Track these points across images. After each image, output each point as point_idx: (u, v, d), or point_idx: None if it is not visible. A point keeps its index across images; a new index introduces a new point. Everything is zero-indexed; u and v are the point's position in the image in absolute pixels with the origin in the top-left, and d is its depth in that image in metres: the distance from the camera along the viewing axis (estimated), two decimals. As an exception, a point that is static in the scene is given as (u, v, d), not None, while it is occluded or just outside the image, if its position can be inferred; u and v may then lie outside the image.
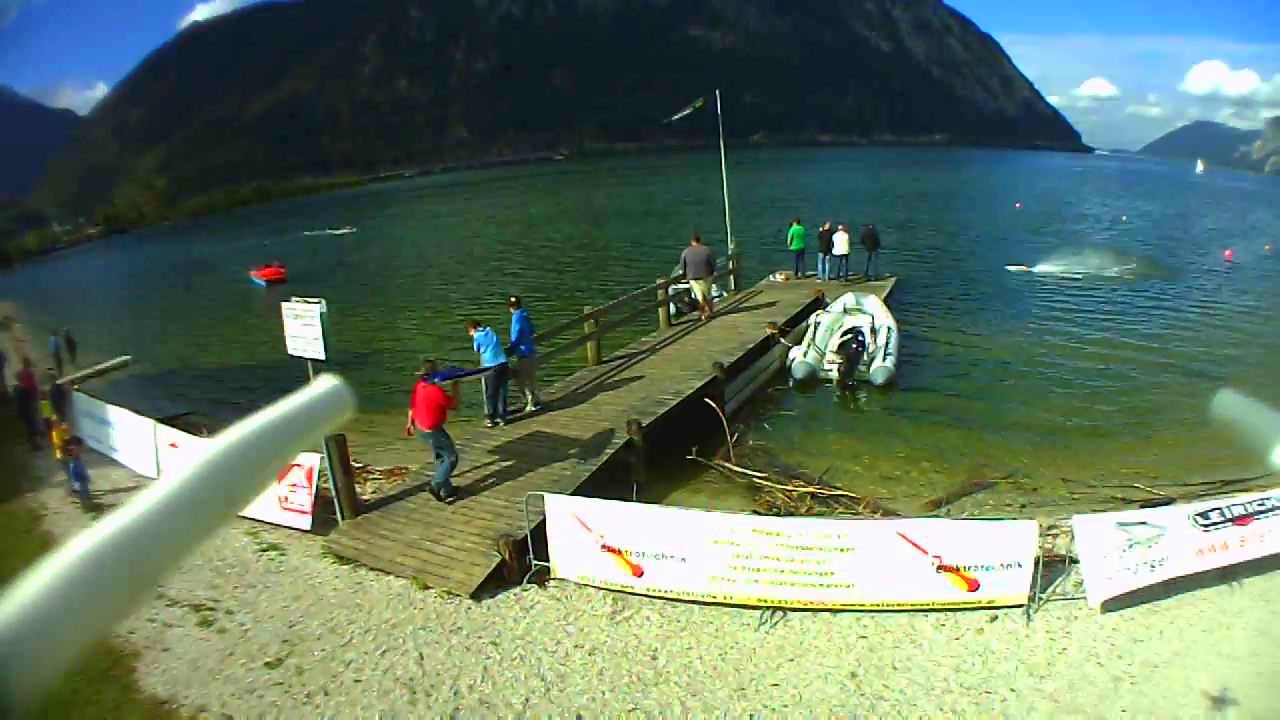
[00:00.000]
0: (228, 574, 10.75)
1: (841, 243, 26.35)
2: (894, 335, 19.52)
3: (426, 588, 9.98)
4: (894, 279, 27.21)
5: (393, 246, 56.63)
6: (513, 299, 15.41)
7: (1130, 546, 9.03)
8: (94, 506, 13.56)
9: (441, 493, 11.86)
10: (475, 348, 14.11)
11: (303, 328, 11.87)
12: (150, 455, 14.50)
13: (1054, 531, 10.30)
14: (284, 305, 12.21)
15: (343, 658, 8.79)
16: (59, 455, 14.10)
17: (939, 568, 9.01)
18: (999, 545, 9.04)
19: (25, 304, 41.08)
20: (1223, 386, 0.92)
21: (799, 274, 27.39)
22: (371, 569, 10.54)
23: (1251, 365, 19.55)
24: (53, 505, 13.84)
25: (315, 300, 11.92)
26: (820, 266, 27.05)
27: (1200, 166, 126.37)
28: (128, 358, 26.11)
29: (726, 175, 25.90)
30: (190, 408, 19.47)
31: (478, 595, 9.75)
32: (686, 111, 26.39)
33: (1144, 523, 9.19)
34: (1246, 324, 23.70)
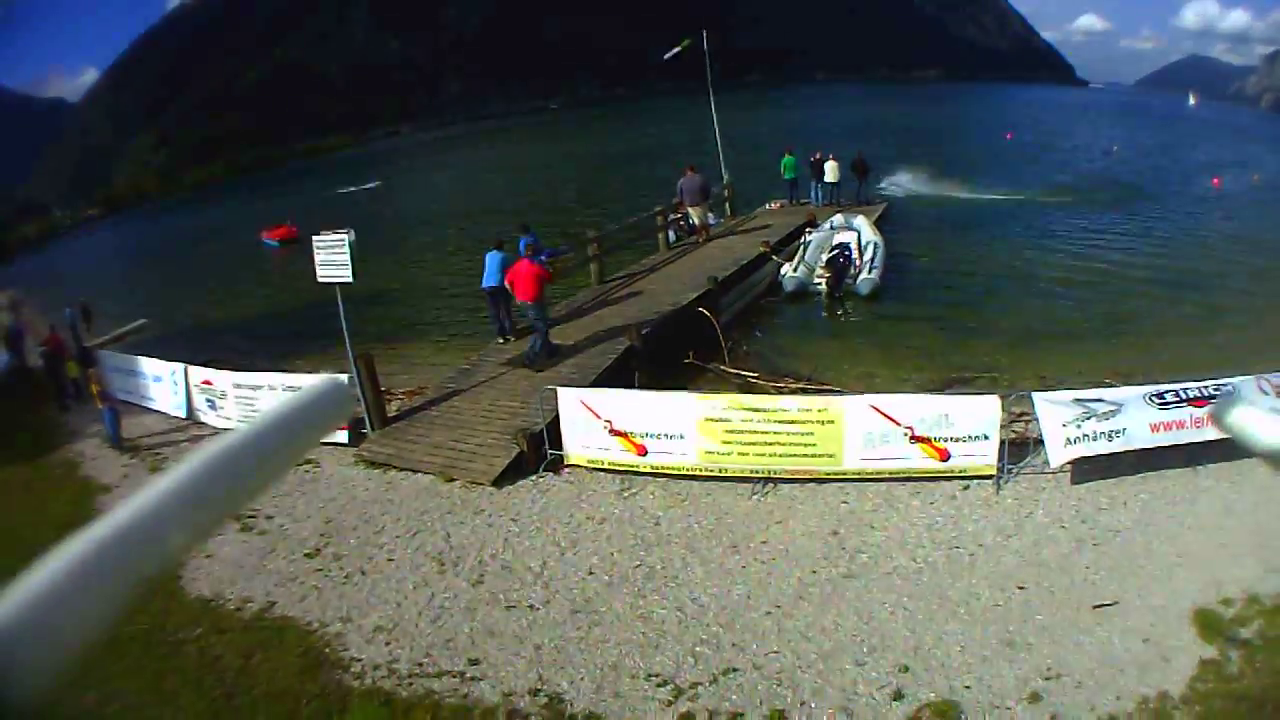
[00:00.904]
0: (264, 487, 11.69)
1: (831, 170, 27.22)
2: (880, 251, 20.25)
3: (452, 480, 11.01)
4: (885, 204, 28.02)
5: (398, 199, 56.96)
6: (523, 224, 16.65)
7: (1088, 418, 9.80)
8: (125, 449, 14.41)
9: (536, 363, 13.81)
10: (485, 267, 15.27)
11: (332, 255, 12.72)
12: (182, 397, 15.32)
13: (1025, 418, 11.00)
14: (314, 238, 13.08)
15: (376, 542, 9.83)
16: (100, 404, 14.74)
17: (911, 438, 9.93)
18: (965, 417, 9.93)
19: (32, 288, 40.80)
20: (1223, 387, 0.85)
21: (793, 201, 28.05)
22: (400, 469, 11.55)
23: (1230, 290, 19.74)
24: (89, 454, 14.62)
25: (344, 230, 12.80)
26: (813, 194, 27.85)
27: (1193, 100, 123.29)
28: (144, 321, 26.24)
29: (716, 111, 26.52)
30: (211, 359, 20.17)
31: (499, 483, 10.77)
32: (676, 50, 27.11)
33: (1101, 400, 9.96)
34: (1226, 247, 24.05)
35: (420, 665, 7.54)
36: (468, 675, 7.36)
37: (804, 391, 13.24)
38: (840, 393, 13.13)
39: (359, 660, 7.67)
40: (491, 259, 15.08)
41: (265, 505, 11.07)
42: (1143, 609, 7.82)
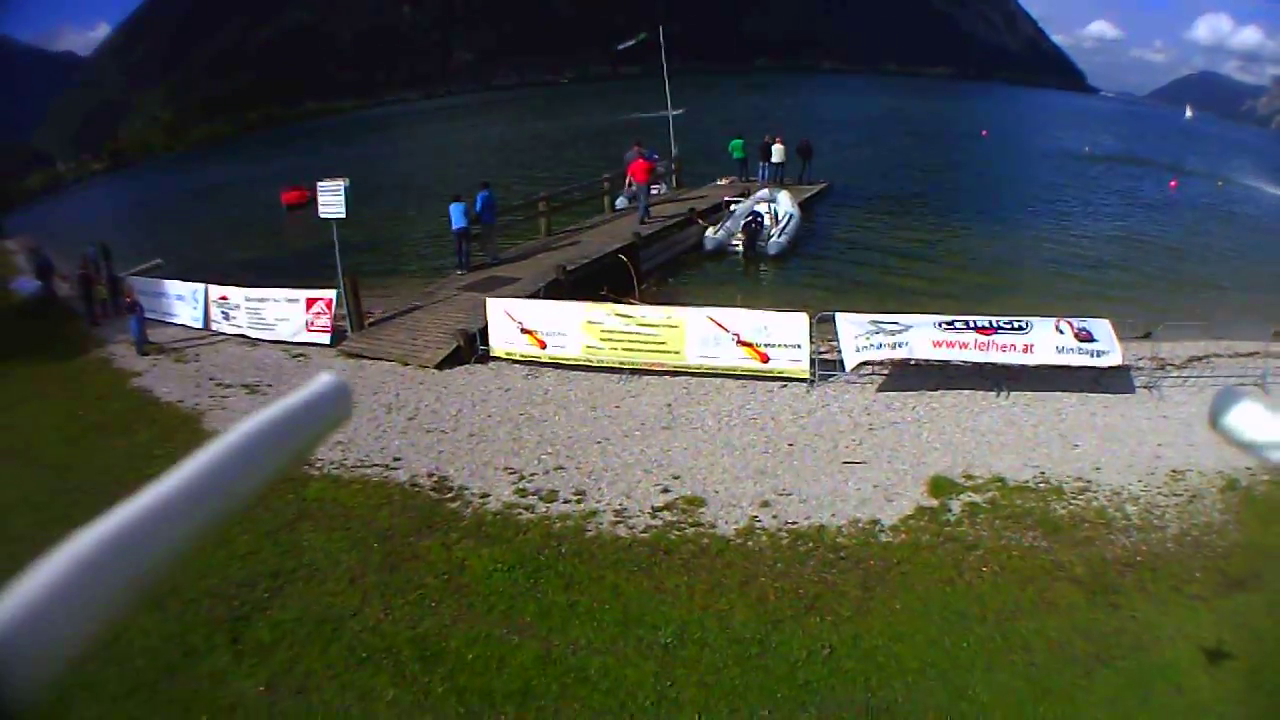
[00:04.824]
0: (267, 368, 15.59)
1: (778, 152, 29.88)
2: (795, 220, 23.40)
3: (406, 364, 14.86)
4: (826, 184, 30.85)
5: (402, 161, 59.35)
6: (483, 181, 20.47)
7: (878, 332, 12.80)
8: (148, 352, 17.41)
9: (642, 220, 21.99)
10: (450, 214, 19.04)
11: (332, 197, 16.38)
12: (200, 311, 18.64)
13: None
14: (318, 184, 16.77)
15: (346, 396, 13.73)
16: (130, 312, 17.63)
17: (738, 343, 13.43)
18: (781, 329, 13.27)
19: (41, 235, 41.19)
20: (1223, 388, 0.92)
21: (742, 179, 30.78)
22: (370, 358, 15.35)
23: (1115, 275, 21.36)
24: (119, 354, 17.80)
25: (342, 178, 16.44)
26: (760, 173, 30.48)
27: (1189, 112, 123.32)
28: (159, 261, 27.87)
29: (670, 96, 30.26)
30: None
31: (440, 367, 14.61)
32: (631, 42, 30.70)
33: (895, 322, 12.93)
34: (1138, 246, 25.18)
35: (361, 461, 11.38)
36: (390, 466, 11.22)
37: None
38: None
39: (321, 459, 11.31)
40: (454, 208, 18.87)
41: (266, 379, 15.00)
42: (886, 469, 10.31)
